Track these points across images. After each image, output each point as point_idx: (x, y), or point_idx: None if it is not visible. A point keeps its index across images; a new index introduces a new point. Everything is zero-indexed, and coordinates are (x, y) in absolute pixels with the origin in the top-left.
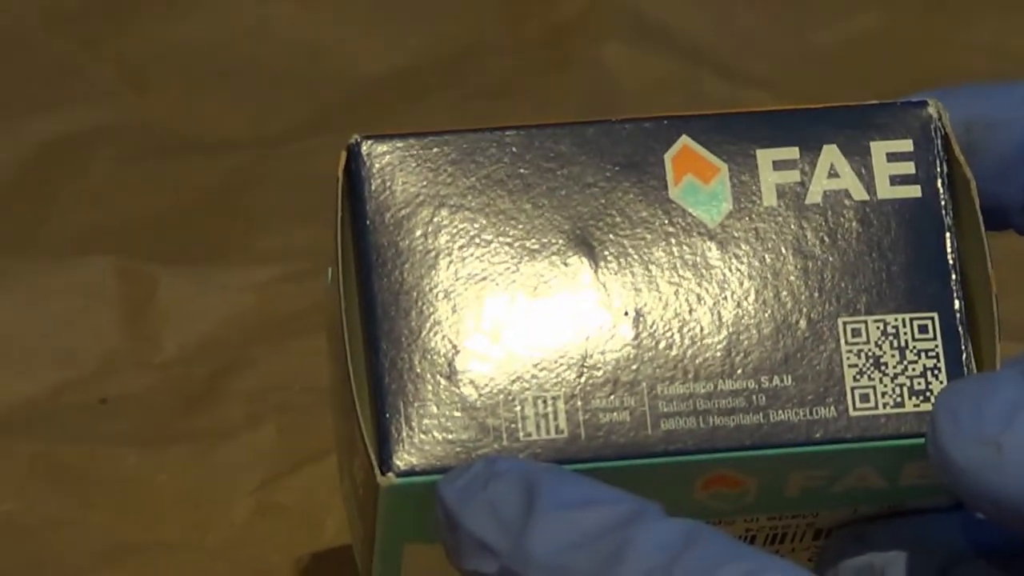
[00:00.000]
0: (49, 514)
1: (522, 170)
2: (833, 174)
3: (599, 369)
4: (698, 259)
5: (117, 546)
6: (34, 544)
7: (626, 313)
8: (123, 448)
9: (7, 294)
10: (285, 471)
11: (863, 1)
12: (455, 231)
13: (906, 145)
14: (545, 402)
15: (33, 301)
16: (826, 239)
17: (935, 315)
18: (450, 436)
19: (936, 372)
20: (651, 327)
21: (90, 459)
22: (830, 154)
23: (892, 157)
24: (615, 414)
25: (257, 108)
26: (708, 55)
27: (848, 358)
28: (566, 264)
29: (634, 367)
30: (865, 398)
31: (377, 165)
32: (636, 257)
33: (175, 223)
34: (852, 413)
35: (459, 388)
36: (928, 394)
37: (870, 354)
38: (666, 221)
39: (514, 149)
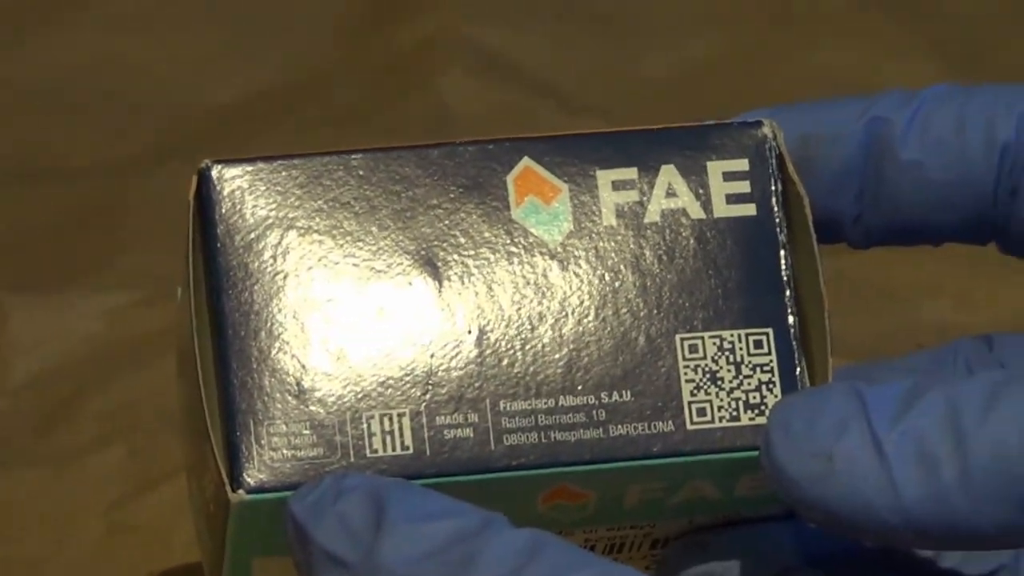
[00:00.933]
0: None
1: (368, 192)
2: (671, 193)
3: (443, 387)
4: (539, 278)
5: None
6: None
7: (469, 331)
8: None
9: None
10: (135, 491)
11: (698, 28)
12: (303, 253)
13: (742, 164)
14: (391, 419)
15: None
16: (664, 257)
17: (770, 331)
18: (299, 453)
19: (771, 386)
20: (494, 345)
21: None
22: (668, 174)
23: (728, 176)
24: (459, 430)
25: (105, 137)
26: (546, 85)
27: (685, 373)
28: (411, 284)
29: (477, 384)
30: (702, 412)
31: (227, 189)
32: (479, 277)
33: (24, 250)
34: (689, 427)
35: (307, 406)
36: (763, 408)
37: (707, 369)
38: (508, 241)
39: (360, 172)
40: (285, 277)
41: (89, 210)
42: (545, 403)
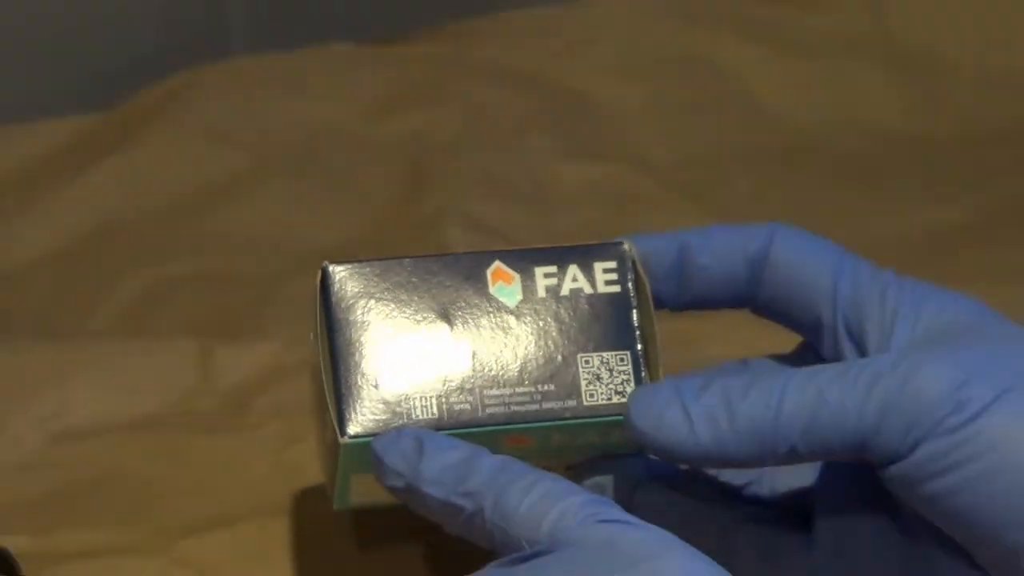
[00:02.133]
0: None
1: (413, 279)
2: (574, 279)
3: (454, 382)
4: (504, 325)
5: None
6: None
7: (468, 352)
8: None
9: None
10: (302, 440)
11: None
12: (378, 312)
13: (612, 264)
14: (426, 399)
15: None
16: (571, 312)
17: (628, 352)
18: (376, 417)
19: (629, 382)
20: (481, 360)
21: None
22: (572, 269)
23: (605, 270)
24: (462, 405)
25: (273, 256)
26: (506, 237)
27: (583, 375)
28: (437, 328)
29: (471, 381)
30: (591, 396)
31: (336, 277)
32: (473, 324)
33: (225, 312)
34: (585, 403)
35: (380, 393)
36: (625, 393)
37: (594, 372)
38: (487, 305)
39: (408, 268)
40: (368, 324)
41: (260, 303)
42: (508, 391)
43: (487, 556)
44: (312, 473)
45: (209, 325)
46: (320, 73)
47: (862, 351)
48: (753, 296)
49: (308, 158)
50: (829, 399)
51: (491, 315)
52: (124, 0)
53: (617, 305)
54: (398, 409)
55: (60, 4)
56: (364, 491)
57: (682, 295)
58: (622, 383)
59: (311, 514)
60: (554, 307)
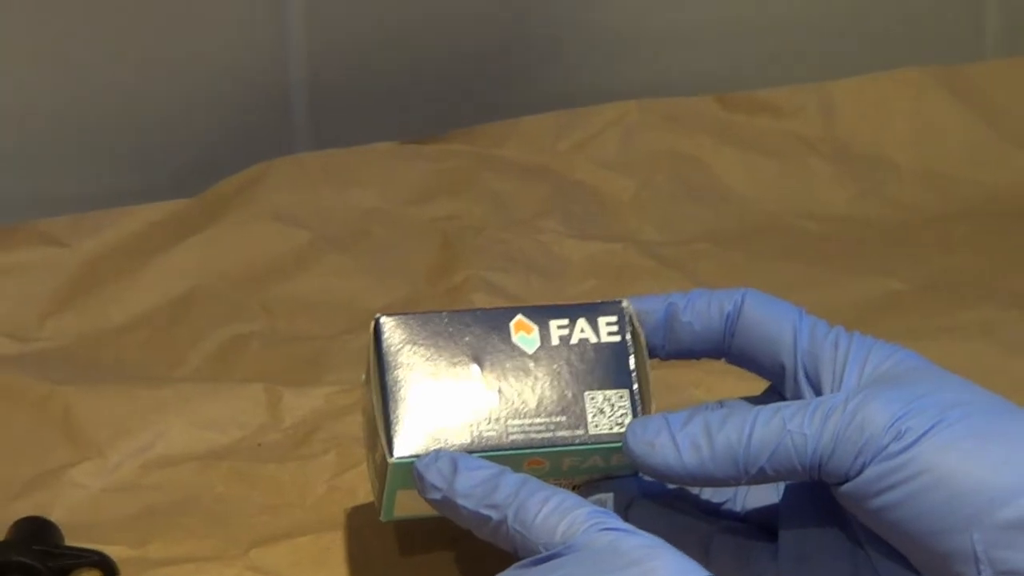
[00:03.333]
0: None
1: (450, 329)
2: (582, 330)
3: (483, 414)
4: (524, 367)
5: None
6: None
7: (495, 390)
8: None
9: None
10: (353, 467)
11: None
12: (420, 355)
13: (613, 319)
14: (459, 427)
15: None
16: (580, 358)
17: (626, 391)
18: (419, 442)
19: (626, 415)
20: (507, 396)
21: None
22: (581, 322)
23: (607, 323)
24: (490, 433)
25: (338, 324)
26: (519, 298)
27: (589, 409)
28: (469, 369)
29: (498, 414)
30: (596, 426)
31: (387, 327)
32: (499, 366)
33: (293, 362)
34: (591, 432)
35: (422, 422)
36: (623, 424)
37: (598, 407)
38: (511, 351)
39: (446, 320)
40: (412, 366)
41: (318, 355)
42: (527, 421)
43: (510, 559)
44: (362, 494)
45: (276, 373)
46: (369, 167)
47: (818, 392)
48: (727, 348)
49: (359, 236)
50: (791, 429)
51: (514, 359)
52: (212, 106)
53: (617, 352)
54: (437, 435)
55: (156, 109)
56: (407, 505)
57: (669, 346)
58: (621, 416)
59: (361, 528)
60: (565, 353)
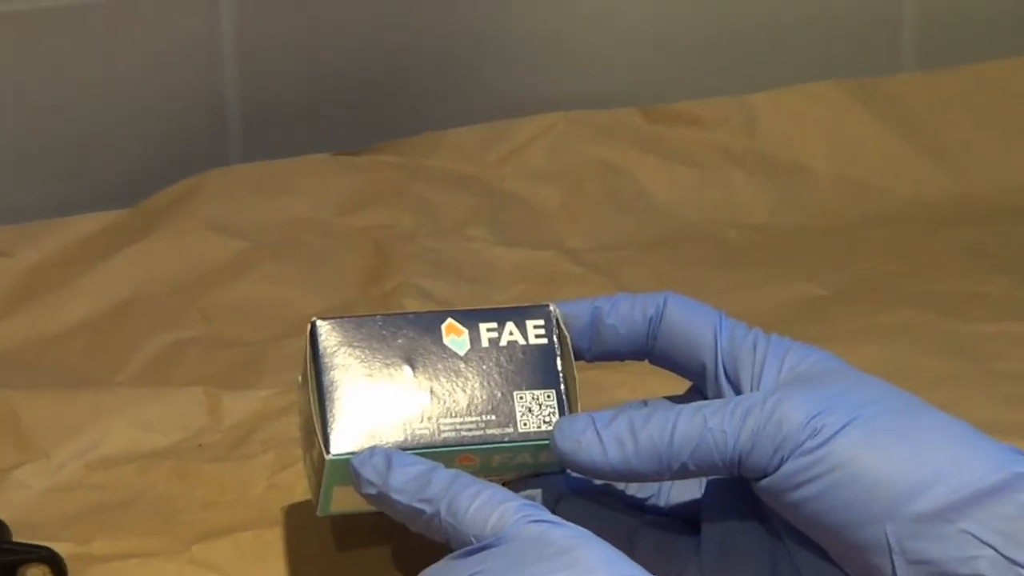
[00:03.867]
0: None
1: (383, 331)
2: (511, 333)
3: (416, 413)
4: (455, 368)
5: None
6: None
7: (427, 390)
8: None
9: None
10: (290, 465)
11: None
12: (355, 357)
13: (541, 322)
14: (394, 426)
15: None
16: (509, 359)
17: (553, 391)
18: (354, 440)
19: (554, 414)
20: (439, 395)
21: None
22: (509, 325)
23: (535, 326)
24: (422, 431)
25: (272, 328)
26: (448, 303)
27: (518, 408)
28: (402, 370)
29: (430, 412)
30: (525, 424)
31: (322, 330)
32: (431, 367)
33: (232, 369)
34: (520, 430)
35: (358, 421)
36: (551, 423)
37: (527, 406)
38: (442, 352)
39: (380, 323)
40: (348, 367)
41: (255, 359)
42: (459, 420)
43: (443, 550)
44: (300, 492)
45: (215, 377)
46: (302, 178)
47: (738, 391)
48: (651, 350)
49: (293, 245)
50: (712, 427)
51: (445, 360)
52: (149, 122)
53: (544, 354)
54: (372, 433)
55: (95, 123)
56: (343, 501)
57: (594, 349)
58: (549, 415)
59: (298, 524)
60: (495, 355)
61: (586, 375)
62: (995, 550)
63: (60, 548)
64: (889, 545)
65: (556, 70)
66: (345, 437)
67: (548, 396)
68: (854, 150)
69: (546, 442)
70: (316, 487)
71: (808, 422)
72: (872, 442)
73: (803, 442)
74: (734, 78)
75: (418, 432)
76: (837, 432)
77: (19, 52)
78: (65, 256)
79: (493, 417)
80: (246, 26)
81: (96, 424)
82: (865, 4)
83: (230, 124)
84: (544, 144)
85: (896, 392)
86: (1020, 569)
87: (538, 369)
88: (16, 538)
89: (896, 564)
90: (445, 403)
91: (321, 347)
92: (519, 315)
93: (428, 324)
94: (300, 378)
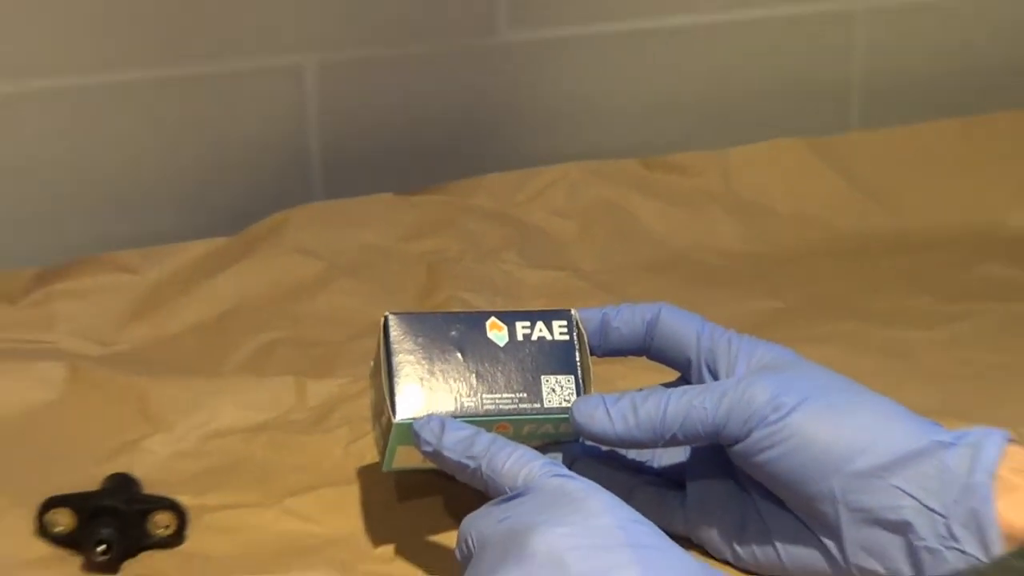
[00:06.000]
0: None
1: (441, 325)
2: (540, 330)
3: (464, 389)
4: (497, 356)
5: None
6: None
7: (475, 372)
8: None
9: None
10: (361, 437)
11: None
12: (417, 344)
13: (564, 323)
14: (447, 398)
15: None
16: (539, 350)
17: (572, 376)
18: (416, 408)
19: (572, 394)
20: (483, 377)
21: None
22: (540, 324)
23: (559, 326)
24: (469, 403)
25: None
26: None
27: (544, 388)
28: (455, 356)
29: (476, 389)
30: (550, 401)
31: (393, 321)
32: (477, 355)
33: (321, 361)
34: (545, 406)
35: (418, 394)
36: (570, 401)
37: (551, 387)
38: (486, 343)
39: (439, 319)
40: (412, 351)
41: (332, 356)
42: (498, 396)
43: (483, 499)
44: (369, 457)
45: (301, 368)
46: (370, 212)
47: (716, 378)
48: (647, 348)
49: (362, 265)
50: (696, 405)
51: (488, 349)
52: (245, 167)
53: (566, 347)
54: (429, 404)
55: (206, 170)
56: (404, 458)
57: (603, 346)
58: (568, 394)
59: (368, 481)
60: (527, 347)
61: (596, 369)
62: (918, 500)
63: (181, 500)
64: (834, 497)
65: (572, 130)
66: (408, 405)
67: (568, 380)
68: (809, 193)
69: (566, 416)
70: (383, 448)
71: (770, 401)
72: (821, 416)
73: (767, 416)
74: (714, 135)
75: (466, 404)
76: (793, 408)
77: (147, 115)
78: (181, 274)
79: (525, 395)
80: (326, 94)
81: (208, 404)
82: (819, 76)
83: (313, 170)
84: (562, 187)
85: (840, 378)
86: (936, 515)
87: (561, 359)
88: (146, 492)
89: (840, 512)
90: (487, 382)
91: (391, 335)
92: (548, 317)
93: (476, 321)
94: (372, 363)
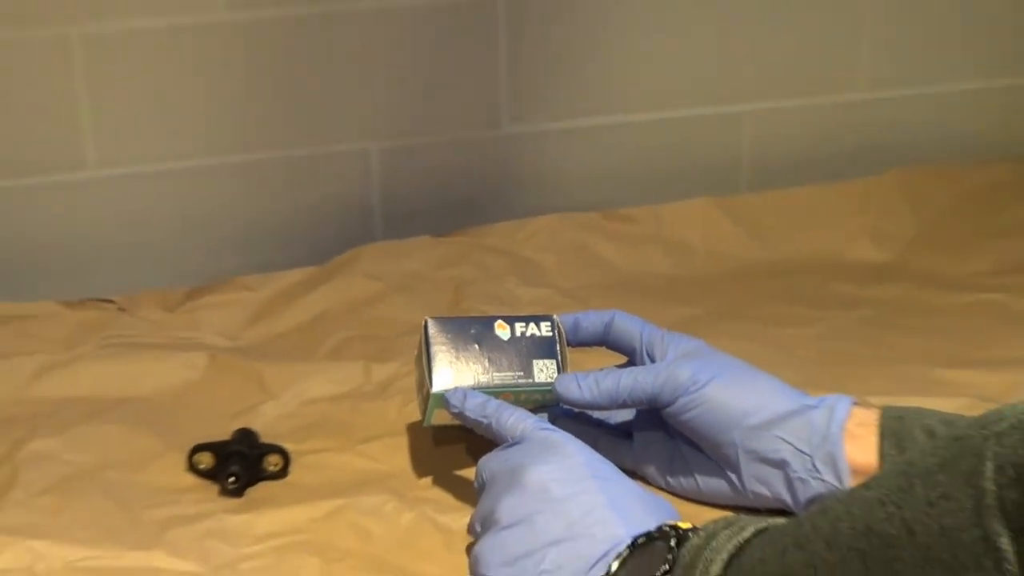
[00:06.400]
0: None
1: (464, 326)
2: (532, 329)
3: (480, 369)
4: (502, 347)
5: None
6: None
7: (487, 358)
8: None
9: None
10: (409, 403)
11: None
12: (448, 338)
13: (548, 324)
14: (469, 376)
15: None
16: (531, 342)
17: (554, 360)
18: (446, 383)
19: (554, 373)
20: (493, 361)
21: None
22: (532, 324)
23: (545, 326)
24: (484, 379)
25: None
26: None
27: (535, 368)
28: (474, 346)
29: (488, 369)
30: (539, 377)
31: (431, 323)
32: (488, 346)
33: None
34: (536, 381)
35: (449, 372)
36: (553, 377)
37: (540, 368)
38: (495, 338)
39: (464, 321)
40: (444, 343)
41: (389, 348)
42: (503, 374)
43: (492, 446)
44: (414, 416)
45: (368, 356)
46: (414, 249)
47: (653, 362)
48: (606, 341)
49: (408, 286)
50: (639, 380)
51: (496, 342)
52: (329, 220)
53: (550, 340)
54: (456, 380)
55: (300, 223)
56: (439, 418)
57: (575, 339)
58: (552, 373)
59: (415, 433)
60: (523, 340)
61: (571, 355)
62: (792, 446)
63: (286, 446)
64: (735, 443)
65: (552, 192)
66: (442, 381)
67: (551, 363)
68: (715, 236)
69: (550, 388)
70: (423, 410)
71: (691, 377)
72: (726, 388)
73: (688, 388)
74: (651, 196)
75: (481, 380)
76: (706, 383)
77: (260, 184)
78: (285, 292)
79: (521, 373)
80: (384, 169)
81: (303, 381)
82: (717, 156)
83: (375, 220)
84: (546, 232)
85: (739, 361)
86: (805, 455)
87: (546, 348)
88: (262, 440)
89: (739, 454)
90: (496, 365)
91: (430, 332)
92: (537, 319)
93: (487, 323)
94: (416, 352)
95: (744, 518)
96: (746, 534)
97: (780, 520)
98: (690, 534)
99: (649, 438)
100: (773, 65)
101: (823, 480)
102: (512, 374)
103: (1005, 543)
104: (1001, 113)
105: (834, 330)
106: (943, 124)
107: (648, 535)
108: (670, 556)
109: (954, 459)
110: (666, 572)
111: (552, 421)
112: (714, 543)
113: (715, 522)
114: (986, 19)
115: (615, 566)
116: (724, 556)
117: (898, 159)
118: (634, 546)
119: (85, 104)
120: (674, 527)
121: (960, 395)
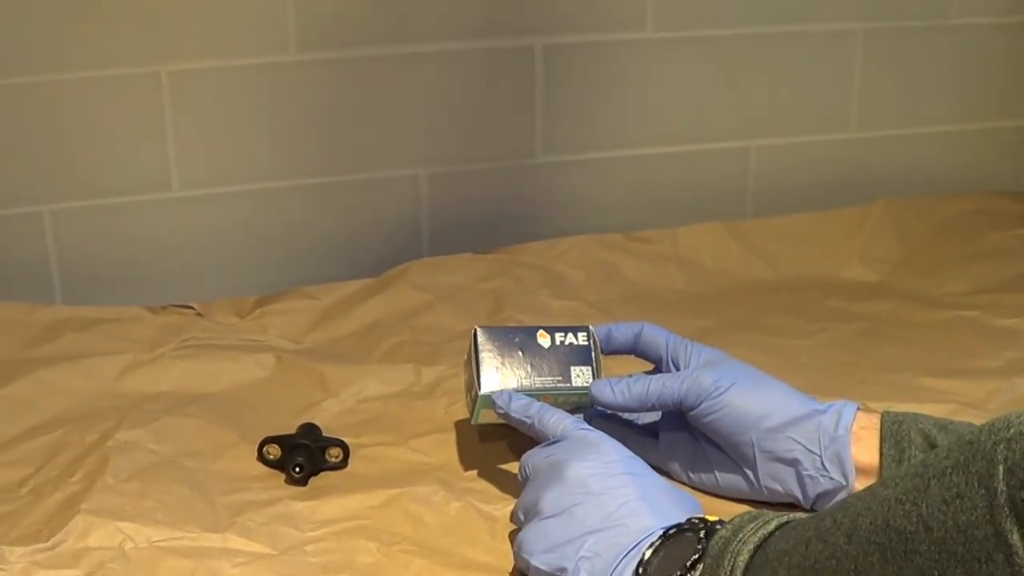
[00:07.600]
0: None
1: (509, 334)
2: (570, 338)
3: (523, 374)
4: (543, 354)
5: None
6: None
7: (529, 364)
8: None
9: None
10: (456, 402)
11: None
12: (495, 344)
13: (585, 333)
14: (513, 379)
15: None
16: (569, 350)
17: (590, 367)
18: (493, 385)
19: (590, 378)
20: (535, 366)
21: None
22: (570, 334)
23: (582, 336)
24: (527, 383)
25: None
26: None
27: (573, 374)
28: (518, 352)
29: (530, 374)
30: (577, 382)
31: (480, 331)
32: (531, 353)
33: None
34: (573, 385)
35: (494, 377)
36: (589, 382)
37: (577, 373)
38: (536, 345)
39: (508, 330)
40: (491, 350)
41: (437, 352)
42: (544, 378)
43: (535, 443)
44: (462, 415)
45: (419, 359)
46: (458, 264)
47: (678, 370)
48: (635, 350)
49: (453, 296)
50: (666, 386)
51: (538, 349)
52: (384, 241)
53: (586, 349)
54: (502, 383)
55: (361, 246)
56: (485, 417)
57: (608, 348)
58: (588, 378)
59: (462, 430)
60: (562, 348)
61: (604, 362)
62: (803, 446)
63: (346, 440)
64: (752, 444)
65: (581, 216)
66: (488, 384)
67: (587, 369)
68: (725, 256)
69: (586, 392)
70: (472, 410)
71: (713, 383)
72: (744, 394)
73: (711, 393)
74: (668, 220)
75: (524, 383)
76: (727, 388)
77: (319, 207)
78: (344, 300)
79: (560, 378)
80: (433, 192)
81: (360, 381)
82: (726, 187)
83: (423, 238)
84: (576, 250)
85: (754, 369)
86: (815, 455)
87: (582, 356)
88: (324, 434)
89: (755, 453)
90: (538, 370)
91: (479, 340)
92: (574, 330)
93: (530, 332)
94: (466, 357)
95: (768, 513)
96: (770, 527)
97: (802, 515)
98: (717, 527)
99: (674, 438)
100: (775, 107)
101: (831, 477)
102: (552, 379)
103: (1015, 538)
104: (975, 152)
105: (831, 341)
106: (924, 161)
107: (679, 527)
108: (700, 547)
109: (967, 462)
110: (696, 561)
111: (588, 421)
112: (741, 535)
113: (741, 516)
114: (961, 70)
115: (648, 554)
116: (751, 547)
117: (885, 191)
118: (666, 536)
119: (171, 133)
120: (703, 520)
121: (945, 401)
